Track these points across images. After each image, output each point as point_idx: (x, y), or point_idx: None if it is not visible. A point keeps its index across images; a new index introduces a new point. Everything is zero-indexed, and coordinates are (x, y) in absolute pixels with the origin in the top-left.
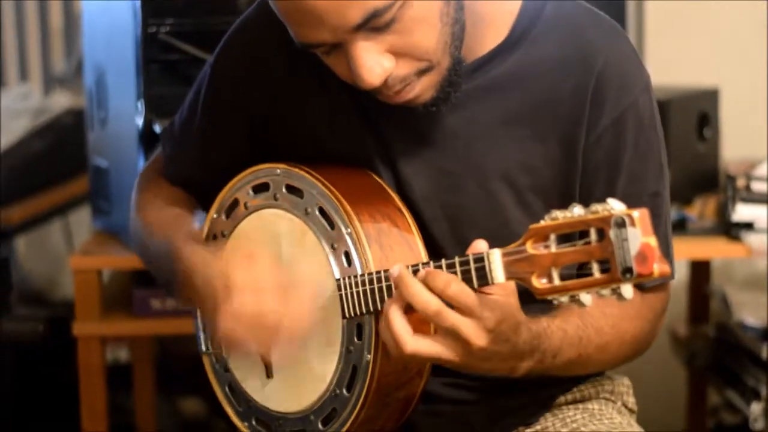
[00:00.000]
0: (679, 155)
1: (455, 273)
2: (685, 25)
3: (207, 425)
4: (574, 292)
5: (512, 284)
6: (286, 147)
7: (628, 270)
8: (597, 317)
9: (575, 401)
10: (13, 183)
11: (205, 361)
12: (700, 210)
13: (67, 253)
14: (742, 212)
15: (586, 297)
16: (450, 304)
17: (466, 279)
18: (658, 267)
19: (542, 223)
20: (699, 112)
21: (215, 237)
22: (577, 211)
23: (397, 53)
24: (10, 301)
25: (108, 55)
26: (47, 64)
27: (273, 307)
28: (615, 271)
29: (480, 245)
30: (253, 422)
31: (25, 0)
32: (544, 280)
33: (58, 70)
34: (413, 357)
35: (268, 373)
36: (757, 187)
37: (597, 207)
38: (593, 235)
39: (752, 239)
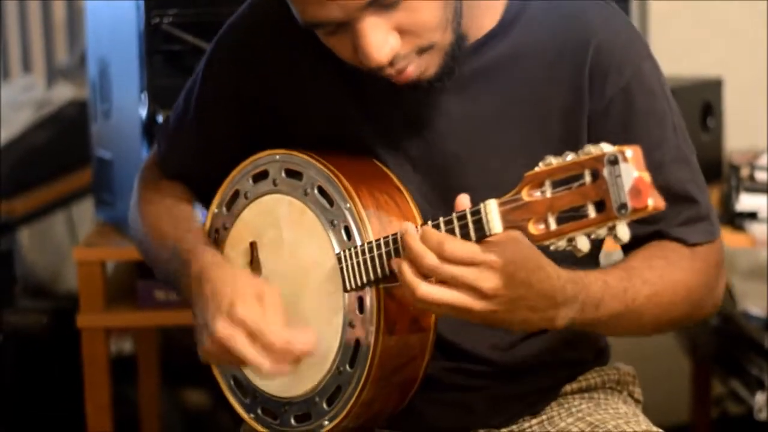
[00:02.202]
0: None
1: (452, 228)
2: (689, 15)
3: (211, 417)
4: (571, 234)
5: (517, 231)
6: (281, 140)
7: (623, 206)
8: (642, 269)
9: (581, 390)
10: (16, 175)
11: None
12: None
13: (70, 244)
14: (745, 202)
15: (582, 240)
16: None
17: (464, 233)
18: (652, 201)
19: (537, 169)
20: (702, 102)
21: (217, 231)
22: (570, 155)
23: (403, 31)
24: (14, 294)
25: (111, 46)
26: (50, 56)
27: (255, 356)
28: (610, 208)
29: (464, 199)
30: (259, 412)
31: None
32: (541, 226)
33: (62, 62)
34: (424, 301)
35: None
36: (761, 176)
37: (590, 148)
38: (587, 176)
39: (756, 229)
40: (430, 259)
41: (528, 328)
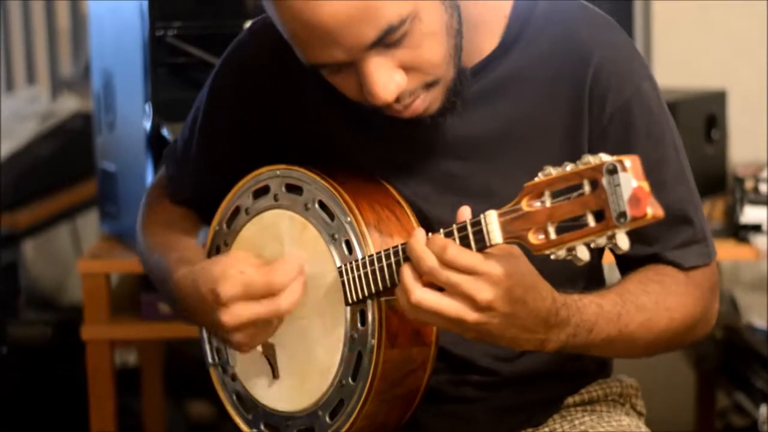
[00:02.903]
0: (687, 157)
1: (453, 239)
2: (693, 26)
3: (215, 428)
4: (571, 243)
5: (516, 248)
6: (285, 159)
7: (623, 215)
8: (637, 294)
9: (583, 403)
10: (20, 187)
11: (212, 372)
12: (708, 212)
13: (75, 257)
14: (749, 214)
15: (582, 249)
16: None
17: (464, 244)
18: (651, 209)
19: (536, 179)
20: (707, 115)
21: (218, 248)
22: (569, 165)
23: (407, 68)
24: (18, 306)
25: (115, 58)
26: (55, 68)
27: (252, 270)
28: (609, 217)
29: (465, 211)
30: (262, 427)
31: (32, 1)
32: (541, 236)
33: (66, 74)
34: (418, 307)
35: (275, 374)
36: (765, 189)
37: (589, 158)
38: (587, 186)
39: (760, 241)
40: (431, 261)
41: (515, 347)
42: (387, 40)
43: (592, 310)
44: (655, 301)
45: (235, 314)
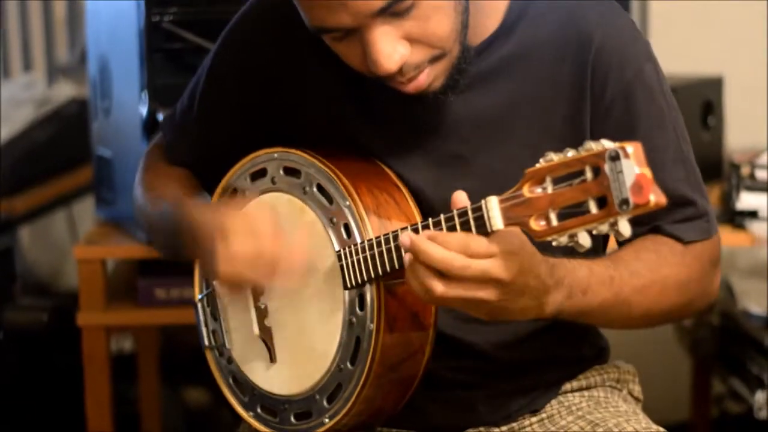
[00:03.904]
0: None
1: (453, 225)
2: (689, 13)
3: (211, 415)
4: (572, 230)
5: (515, 228)
6: (283, 139)
7: (625, 201)
8: (630, 261)
9: (581, 389)
10: (16, 173)
11: (208, 355)
12: None
13: (71, 243)
14: (746, 201)
15: (584, 236)
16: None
17: (465, 230)
18: (654, 197)
19: (538, 165)
20: (703, 101)
21: None
22: (571, 151)
23: (413, 40)
24: (14, 292)
25: (112, 44)
26: (51, 54)
27: (268, 243)
28: (612, 204)
29: (460, 195)
30: (258, 410)
31: None
32: (543, 222)
33: (62, 60)
34: (443, 300)
35: (272, 358)
36: (761, 175)
37: (591, 145)
38: (589, 172)
39: (756, 228)
40: (460, 260)
41: (524, 316)
42: (395, 9)
43: (584, 272)
44: (648, 268)
45: (233, 271)
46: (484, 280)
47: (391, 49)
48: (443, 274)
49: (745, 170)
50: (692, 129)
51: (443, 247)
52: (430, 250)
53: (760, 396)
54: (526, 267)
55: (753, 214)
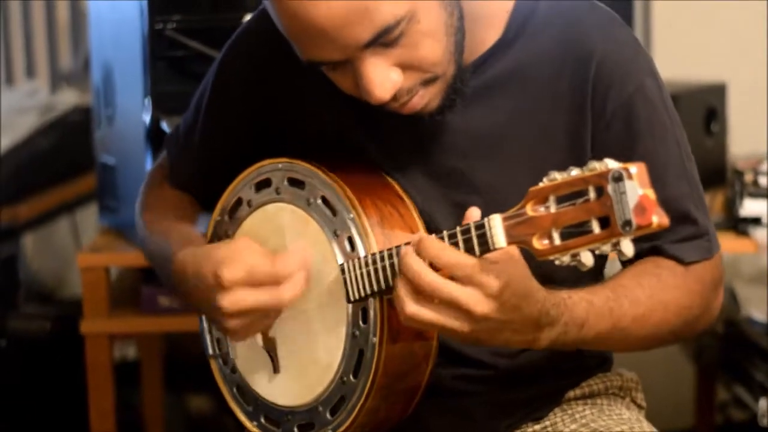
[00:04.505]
0: (691, 154)
1: (456, 242)
2: (692, 19)
3: (215, 422)
4: (575, 250)
5: (516, 250)
6: (289, 151)
7: (628, 223)
8: (631, 288)
9: (584, 396)
10: (20, 180)
11: (212, 363)
12: (708, 205)
13: (74, 250)
14: (749, 207)
15: (587, 255)
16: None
17: (468, 248)
18: (657, 218)
19: (541, 184)
20: (706, 107)
21: (220, 239)
22: (575, 171)
23: (404, 66)
24: (18, 299)
25: (115, 52)
26: (54, 62)
27: (269, 295)
28: (614, 225)
29: (474, 212)
30: (262, 420)
31: None
32: (546, 241)
33: (66, 68)
34: (413, 319)
35: (275, 368)
36: (765, 182)
37: (594, 164)
38: (592, 192)
39: (759, 234)
40: (431, 278)
41: (508, 347)
42: (383, 40)
43: (583, 307)
44: (649, 295)
45: (234, 299)
46: (454, 306)
47: (382, 78)
48: (419, 293)
49: (748, 177)
50: (695, 136)
51: (421, 249)
52: (410, 262)
53: (763, 403)
54: (511, 306)
55: (756, 221)
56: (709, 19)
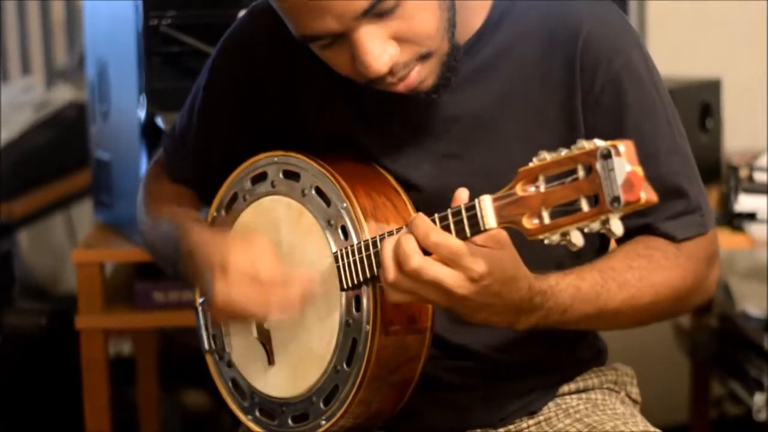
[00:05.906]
0: (682, 128)
1: (448, 224)
2: (687, 15)
3: (211, 418)
4: (564, 228)
5: (505, 235)
6: (284, 145)
7: (616, 199)
8: (621, 271)
9: (578, 391)
10: (15, 176)
11: (208, 359)
12: None
13: (69, 246)
14: (744, 203)
15: (576, 234)
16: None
17: (459, 229)
18: (645, 194)
19: (530, 164)
20: (701, 103)
21: None
22: (564, 150)
23: (400, 39)
24: (13, 295)
25: (110, 48)
26: (49, 58)
27: (267, 286)
28: (603, 202)
29: (462, 193)
30: (257, 413)
31: None
32: (535, 221)
33: (61, 64)
34: (395, 286)
35: (270, 360)
36: (760, 177)
37: (583, 143)
38: (581, 171)
39: (754, 230)
40: (417, 261)
41: (488, 325)
42: (379, 9)
43: (569, 293)
44: (639, 278)
45: (229, 284)
46: (437, 287)
47: (379, 49)
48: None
49: (743, 172)
50: (690, 131)
51: (411, 228)
52: (402, 239)
53: (758, 398)
54: (492, 292)
55: (751, 216)
56: (704, 15)
